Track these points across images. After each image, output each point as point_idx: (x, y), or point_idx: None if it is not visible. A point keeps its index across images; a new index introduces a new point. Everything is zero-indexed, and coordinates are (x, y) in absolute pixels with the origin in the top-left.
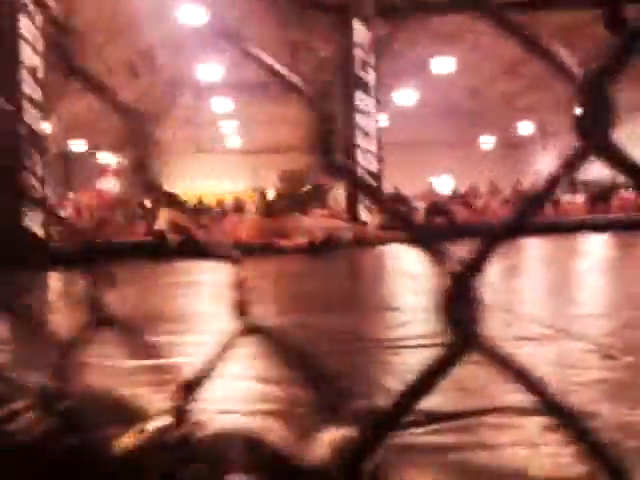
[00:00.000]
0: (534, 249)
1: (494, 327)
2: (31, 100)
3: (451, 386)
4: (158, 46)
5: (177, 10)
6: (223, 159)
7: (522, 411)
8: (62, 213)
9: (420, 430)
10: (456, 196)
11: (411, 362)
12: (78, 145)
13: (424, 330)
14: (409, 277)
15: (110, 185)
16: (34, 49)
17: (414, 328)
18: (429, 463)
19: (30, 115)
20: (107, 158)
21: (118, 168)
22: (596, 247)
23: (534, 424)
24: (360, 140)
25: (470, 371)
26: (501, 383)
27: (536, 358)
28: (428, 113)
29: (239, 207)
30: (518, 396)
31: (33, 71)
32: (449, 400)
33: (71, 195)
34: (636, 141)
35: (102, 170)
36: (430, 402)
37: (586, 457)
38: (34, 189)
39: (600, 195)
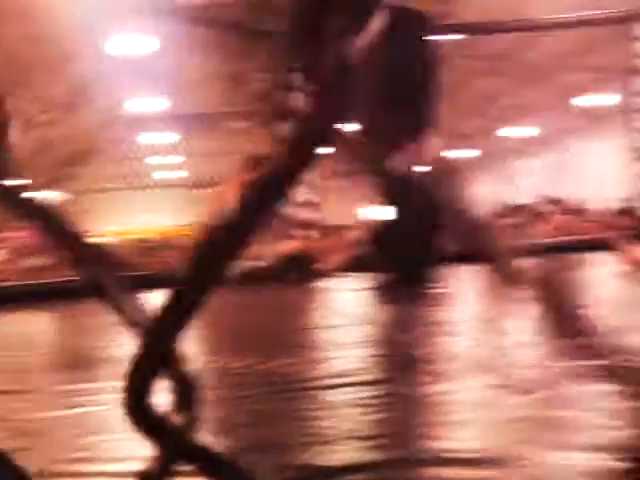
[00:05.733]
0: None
1: (401, 364)
2: None
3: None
4: (94, 80)
5: (112, 41)
6: (165, 193)
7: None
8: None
9: None
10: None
11: (339, 401)
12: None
13: (335, 369)
14: (338, 313)
15: None
16: None
17: (327, 367)
18: None
19: None
20: (42, 195)
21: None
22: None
23: None
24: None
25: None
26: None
27: (443, 397)
28: None
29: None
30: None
31: None
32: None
33: (5, 235)
34: None
35: None
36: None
37: None
38: None
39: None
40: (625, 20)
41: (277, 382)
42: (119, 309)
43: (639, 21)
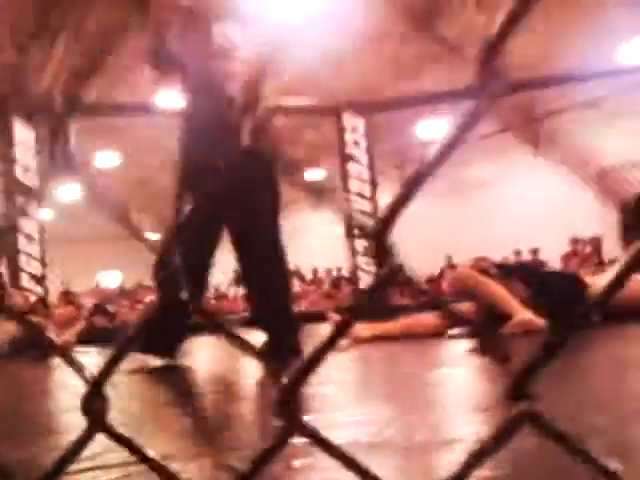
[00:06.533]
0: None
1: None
2: None
3: None
4: None
5: None
6: None
7: None
8: None
9: None
10: (123, 292)
11: None
12: None
13: (84, 453)
14: (73, 393)
15: None
16: None
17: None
18: None
19: None
20: None
21: None
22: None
23: None
24: (23, 245)
25: None
26: None
27: None
28: (94, 207)
29: None
30: None
31: None
32: None
33: None
34: None
35: None
36: None
37: None
38: None
39: None
40: (334, 110)
41: (18, 472)
42: None
43: (347, 111)
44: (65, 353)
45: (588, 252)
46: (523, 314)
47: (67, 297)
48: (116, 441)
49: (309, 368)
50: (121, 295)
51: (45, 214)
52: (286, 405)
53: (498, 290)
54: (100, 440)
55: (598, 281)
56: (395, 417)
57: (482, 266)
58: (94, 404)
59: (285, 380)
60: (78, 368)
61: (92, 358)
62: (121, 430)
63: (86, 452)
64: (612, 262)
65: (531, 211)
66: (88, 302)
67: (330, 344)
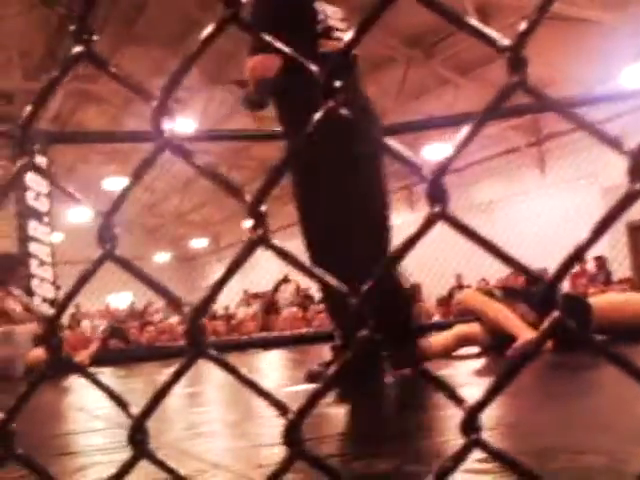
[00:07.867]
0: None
1: None
2: None
3: None
4: None
5: None
6: None
7: None
8: None
9: None
10: (135, 312)
11: None
12: None
13: (105, 474)
14: (88, 414)
15: None
16: None
17: (95, 473)
18: None
19: None
20: None
21: None
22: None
23: None
24: (36, 269)
25: None
26: None
27: None
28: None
29: None
30: None
31: None
32: None
33: None
34: None
35: None
36: None
37: None
38: None
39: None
40: None
41: None
42: None
43: None
44: (108, 388)
45: (594, 272)
46: (528, 335)
47: (78, 319)
48: (155, 464)
49: (314, 402)
50: (131, 316)
51: (56, 237)
52: (291, 434)
53: (502, 311)
54: (116, 461)
55: (593, 300)
56: (392, 446)
57: (487, 288)
58: (137, 436)
59: (292, 413)
60: (123, 406)
61: (106, 379)
62: (162, 452)
63: (104, 473)
64: (621, 282)
65: (539, 231)
66: (99, 323)
67: (333, 380)
